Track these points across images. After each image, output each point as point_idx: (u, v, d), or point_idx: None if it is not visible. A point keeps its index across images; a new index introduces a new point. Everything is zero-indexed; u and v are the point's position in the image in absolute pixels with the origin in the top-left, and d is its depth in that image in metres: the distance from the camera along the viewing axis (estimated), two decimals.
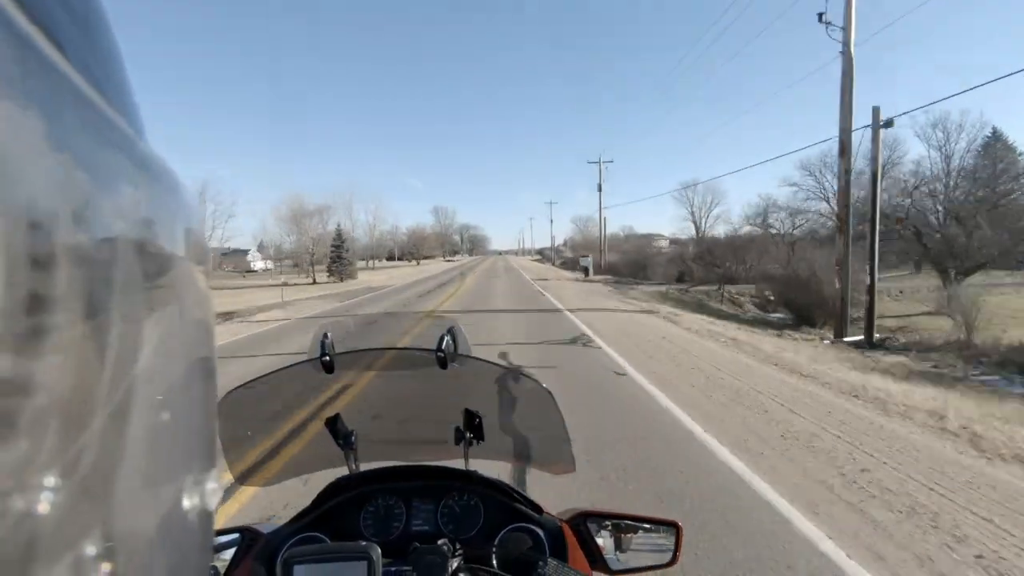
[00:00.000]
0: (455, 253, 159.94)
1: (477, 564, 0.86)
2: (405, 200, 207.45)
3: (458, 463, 1.06)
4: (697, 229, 75.40)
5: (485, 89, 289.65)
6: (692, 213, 73.86)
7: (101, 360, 0.17)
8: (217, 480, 0.28)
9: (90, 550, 0.16)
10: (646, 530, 1.01)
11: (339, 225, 39.61)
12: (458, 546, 0.87)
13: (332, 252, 35.17)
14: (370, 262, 60.59)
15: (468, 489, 1.02)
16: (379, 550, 0.72)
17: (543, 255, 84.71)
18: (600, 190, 38.96)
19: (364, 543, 0.73)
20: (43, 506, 0.14)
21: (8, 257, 0.13)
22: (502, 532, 0.97)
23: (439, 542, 0.85)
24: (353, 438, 1.05)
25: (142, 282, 0.20)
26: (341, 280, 32.51)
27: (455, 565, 0.81)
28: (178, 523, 0.24)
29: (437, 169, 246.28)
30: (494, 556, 0.92)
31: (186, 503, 0.24)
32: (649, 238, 77.51)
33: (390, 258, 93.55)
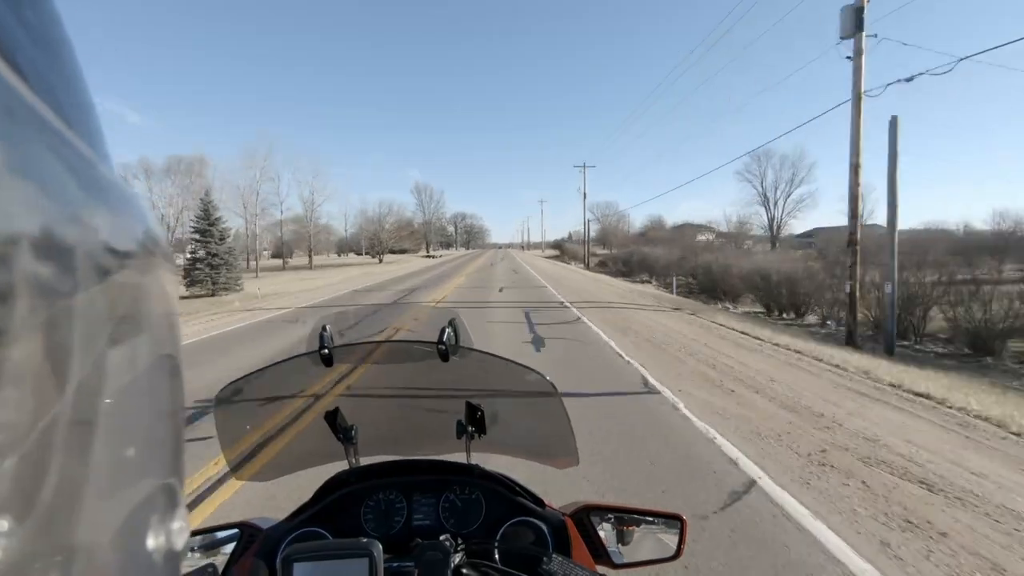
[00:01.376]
0: (448, 246, 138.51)
1: (480, 559, 0.87)
2: (404, 191, 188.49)
3: (460, 457, 1.07)
4: (772, 220, 54.23)
5: (491, 72, 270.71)
6: (763, 196, 53.41)
7: (60, 394, 0.17)
8: (184, 520, 0.28)
9: None
10: (649, 523, 1.02)
11: (207, 194, 21.36)
12: (460, 541, 0.89)
13: (195, 242, 21.78)
14: (290, 259, 50.08)
15: (470, 483, 1.03)
16: (380, 547, 0.74)
17: (562, 249, 70.88)
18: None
19: (365, 540, 0.75)
20: None
21: None
22: (505, 526, 0.98)
23: (441, 537, 0.87)
24: (353, 432, 1.06)
25: (102, 303, 0.20)
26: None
27: (457, 560, 0.83)
28: (143, 563, 0.23)
29: (437, 158, 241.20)
30: (497, 551, 0.93)
31: (152, 543, 0.24)
32: (695, 230, 58.07)
33: (341, 252, 77.99)
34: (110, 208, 0.23)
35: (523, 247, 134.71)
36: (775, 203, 50.04)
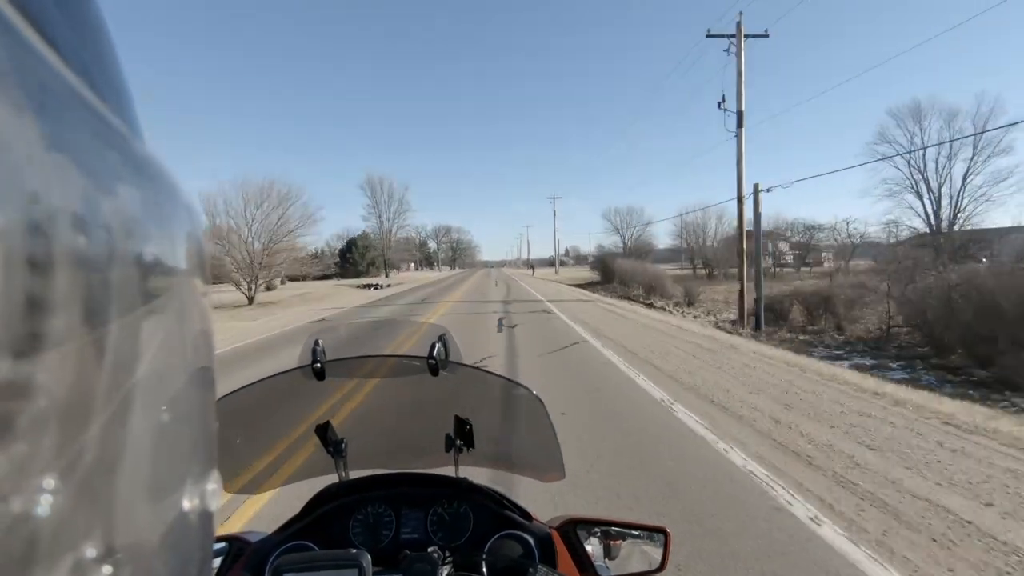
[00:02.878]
0: (430, 264, 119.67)
1: (467, 571, 0.92)
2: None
3: (448, 470, 1.12)
4: (937, 213, 35.57)
5: (483, 87, 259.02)
6: (917, 177, 36.57)
7: (100, 363, 0.18)
8: (218, 483, 0.31)
9: (90, 553, 0.16)
10: (635, 537, 1.08)
11: None
12: (448, 553, 0.94)
13: None
14: None
15: (458, 496, 1.08)
16: (369, 558, 0.77)
17: (608, 269, 39.45)
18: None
19: (354, 551, 0.78)
20: (42, 509, 0.14)
21: (6, 261, 0.13)
22: (492, 539, 1.03)
23: (429, 549, 0.91)
24: (343, 445, 1.11)
25: (141, 285, 0.21)
26: None
27: (445, 573, 0.87)
28: (179, 528, 0.25)
29: (428, 176, 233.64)
30: (484, 563, 0.98)
31: (187, 506, 0.26)
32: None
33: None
34: (145, 182, 0.24)
35: (529, 266, 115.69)
36: (939, 187, 32.95)
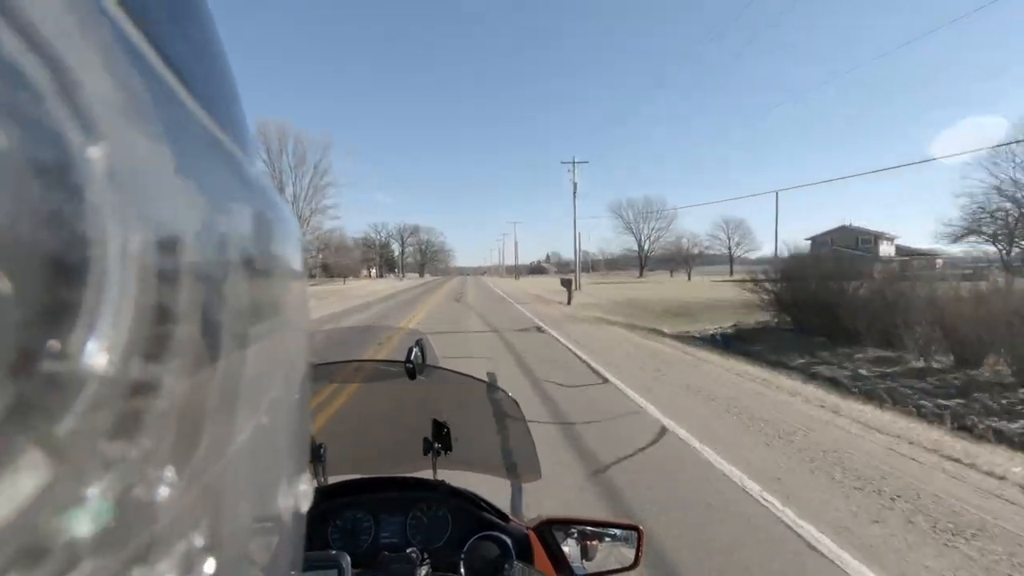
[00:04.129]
0: (391, 270, 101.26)
1: (445, 572, 0.98)
2: (374, 217, 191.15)
3: (427, 474, 1.18)
4: None
5: (464, 90, 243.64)
6: None
7: (215, 367, 0.19)
8: (310, 483, 0.33)
9: (198, 542, 0.18)
10: (611, 537, 1.15)
11: None
12: (426, 555, 1.00)
13: None
14: None
15: (436, 500, 1.14)
16: (348, 558, 0.80)
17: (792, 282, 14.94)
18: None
19: (334, 552, 0.81)
20: (161, 496, 0.16)
21: (141, 274, 0.15)
22: (470, 541, 1.08)
23: (407, 551, 0.97)
24: (321, 451, 1.15)
25: (252, 296, 0.23)
26: None
27: (423, 573, 0.90)
28: (275, 519, 0.28)
29: (407, 180, 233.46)
30: (462, 564, 1.04)
31: (282, 502, 0.28)
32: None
33: None
34: (256, 199, 0.26)
35: (525, 275, 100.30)
36: None
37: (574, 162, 37.78)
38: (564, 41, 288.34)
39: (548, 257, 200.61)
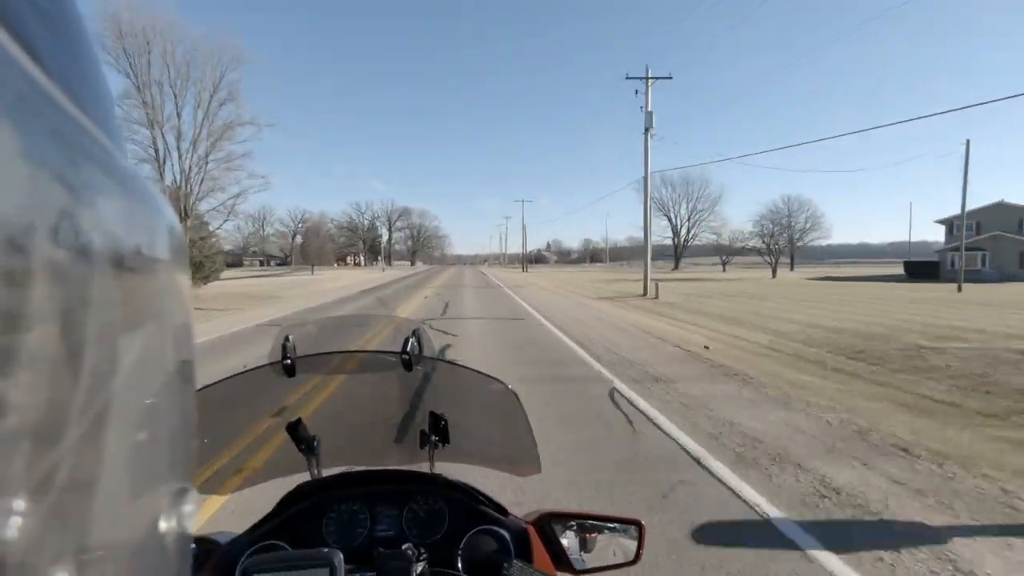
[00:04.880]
0: (375, 257, 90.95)
1: (442, 568, 0.98)
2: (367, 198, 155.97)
3: (423, 466, 1.18)
4: None
5: (463, 78, 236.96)
6: None
7: (76, 377, 0.18)
8: (195, 502, 0.31)
9: (62, 575, 0.16)
10: (610, 530, 1.15)
11: None
12: (423, 550, 1.00)
13: None
14: None
15: (433, 493, 1.14)
16: (341, 556, 0.80)
17: None
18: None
19: (326, 549, 0.80)
20: (12, 531, 0.14)
21: None
22: (467, 535, 1.08)
23: (403, 546, 0.95)
24: (316, 443, 1.16)
25: (119, 296, 0.22)
26: None
27: (420, 569, 0.90)
28: (153, 545, 0.25)
29: (401, 166, 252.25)
30: (460, 559, 1.04)
31: (162, 526, 0.26)
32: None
33: None
34: (126, 197, 0.24)
35: (521, 264, 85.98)
36: None
37: (648, 78, 21.30)
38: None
39: (548, 245, 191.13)
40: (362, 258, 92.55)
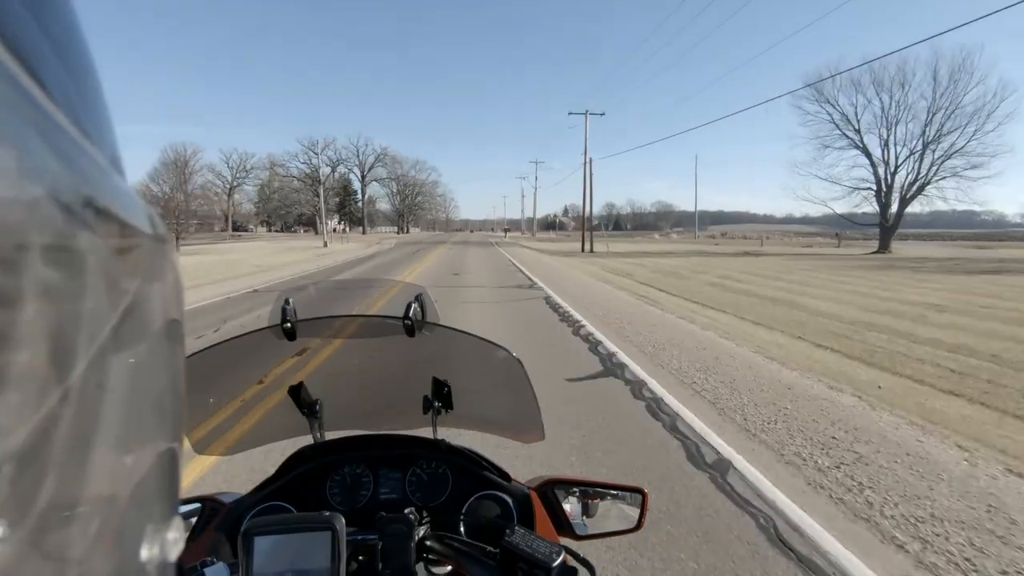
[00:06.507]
0: (361, 223, 65.36)
1: (445, 532, 0.99)
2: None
3: (426, 432, 1.23)
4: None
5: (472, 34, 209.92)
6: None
7: (63, 398, 0.18)
8: (180, 530, 0.31)
9: None
10: (613, 496, 1.19)
11: None
12: (425, 514, 1.05)
13: None
14: None
15: (436, 457, 1.19)
16: (343, 520, 0.81)
17: None
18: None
19: (328, 513, 0.82)
20: None
21: None
22: (470, 500, 1.13)
23: (406, 510, 0.98)
24: (318, 407, 1.21)
25: (109, 319, 0.22)
26: None
27: (422, 533, 0.94)
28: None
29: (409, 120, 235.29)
30: (462, 524, 1.08)
31: (145, 555, 0.26)
32: None
33: None
34: (117, 207, 0.25)
35: (550, 227, 68.36)
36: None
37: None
38: None
39: (566, 210, 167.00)
40: (331, 223, 66.01)
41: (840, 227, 57.79)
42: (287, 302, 1.03)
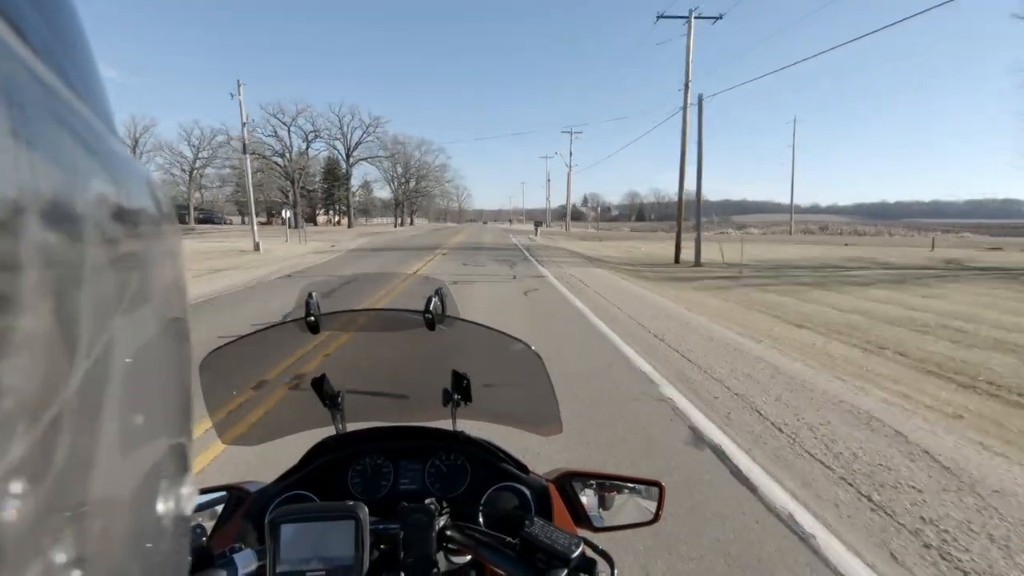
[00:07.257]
0: (340, 214, 50.59)
1: (464, 522, 1.03)
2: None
3: (446, 424, 1.29)
4: None
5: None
6: None
7: (71, 360, 0.18)
8: (192, 485, 0.32)
9: (60, 558, 0.17)
10: (631, 490, 1.24)
11: None
12: (445, 505, 1.06)
13: None
14: None
15: (455, 449, 1.24)
16: (366, 509, 0.85)
17: None
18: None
19: (352, 502, 0.86)
20: (9, 514, 0.14)
21: None
22: (489, 491, 1.18)
23: (426, 501, 1.02)
24: (340, 399, 1.27)
25: (112, 279, 0.22)
26: None
27: (442, 523, 0.97)
28: (152, 528, 0.26)
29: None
30: (481, 515, 1.13)
31: (161, 508, 0.27)
32: None
33: None
34: (117, 176, 0.25)
35: (548, 221, 54.11)
36: None
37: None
38: None
39: (586, 200, 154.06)
40: (289, 212, 49.96)
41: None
42: (311, 296, 1.07)
